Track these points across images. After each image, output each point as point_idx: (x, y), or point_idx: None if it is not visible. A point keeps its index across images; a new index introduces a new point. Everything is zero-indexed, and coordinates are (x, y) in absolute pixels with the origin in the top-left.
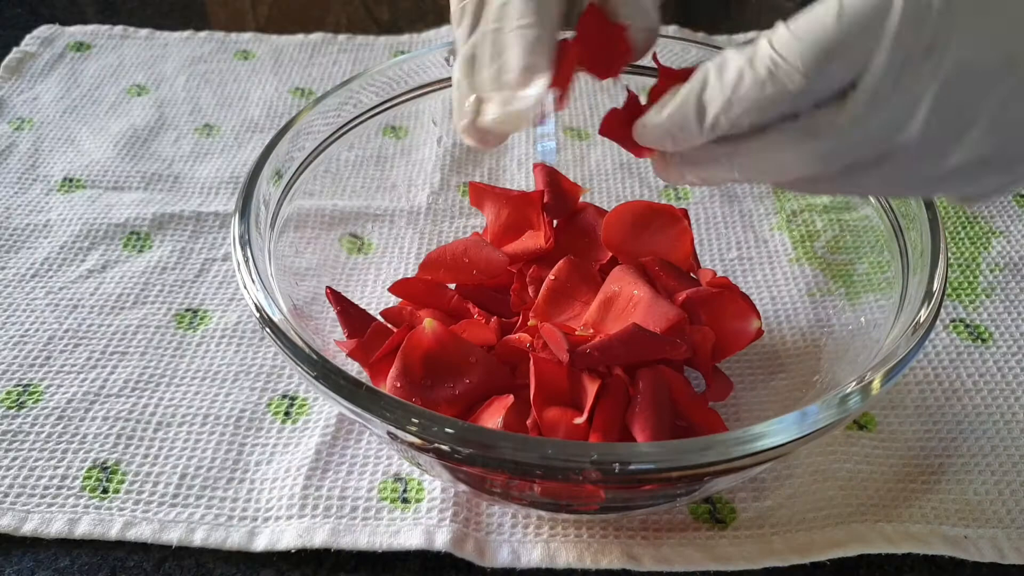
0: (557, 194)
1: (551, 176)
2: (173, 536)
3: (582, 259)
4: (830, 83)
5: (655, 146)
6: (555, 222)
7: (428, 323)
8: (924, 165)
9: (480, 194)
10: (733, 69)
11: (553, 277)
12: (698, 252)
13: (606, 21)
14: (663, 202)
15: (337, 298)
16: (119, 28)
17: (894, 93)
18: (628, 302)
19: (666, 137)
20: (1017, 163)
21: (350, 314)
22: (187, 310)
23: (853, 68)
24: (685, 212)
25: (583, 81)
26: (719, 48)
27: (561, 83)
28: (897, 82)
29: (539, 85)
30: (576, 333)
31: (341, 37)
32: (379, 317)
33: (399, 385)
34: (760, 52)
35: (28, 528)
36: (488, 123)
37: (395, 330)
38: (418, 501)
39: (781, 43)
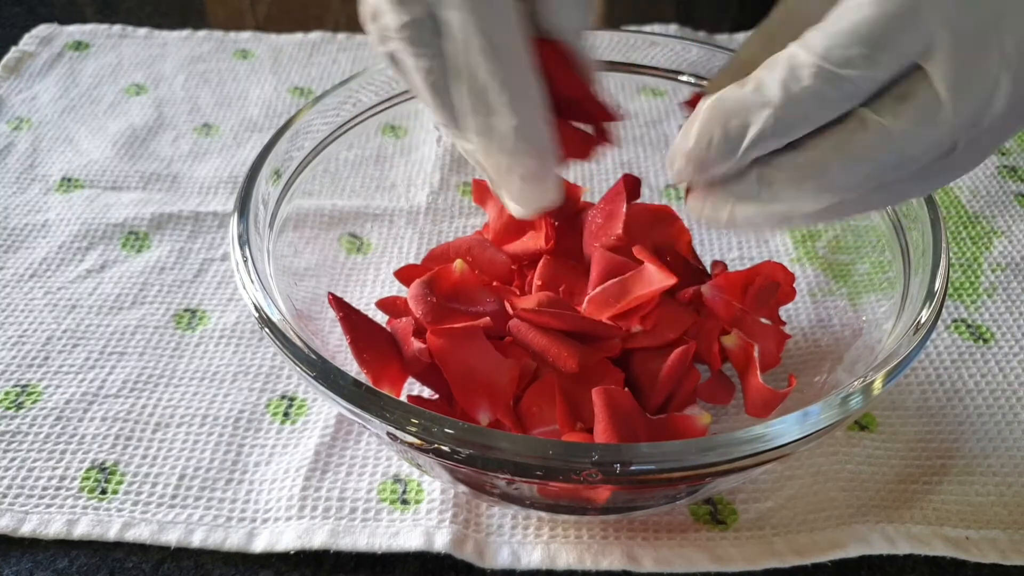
0: None
1: None
2: (172, 537)
3: (581, 259)
4: (891, 68)
5: (681, 176)
6: (556, 223)
7: (458, 264)
8: (996, 141)
9: (483, 191)
10: (773, 83)
11: (539, 282)
12: (698, 252)
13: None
14: (663, 202)
15: (339, 304)
16: (118, 27)
17: (972, 65)
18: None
19: (692, 161)
20: None
21: (352, 320)
22: (186, 310)
23: (914, 47)
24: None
25: None
26: (720, 48)
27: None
28: (971, 52)
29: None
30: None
31: (340, 36)
32: (374, 307)
33: (417, 294)
34: (798, 60)
35: (26, 529)
36: (521, 214)
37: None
38: (418, 502)
39: (820, 43)
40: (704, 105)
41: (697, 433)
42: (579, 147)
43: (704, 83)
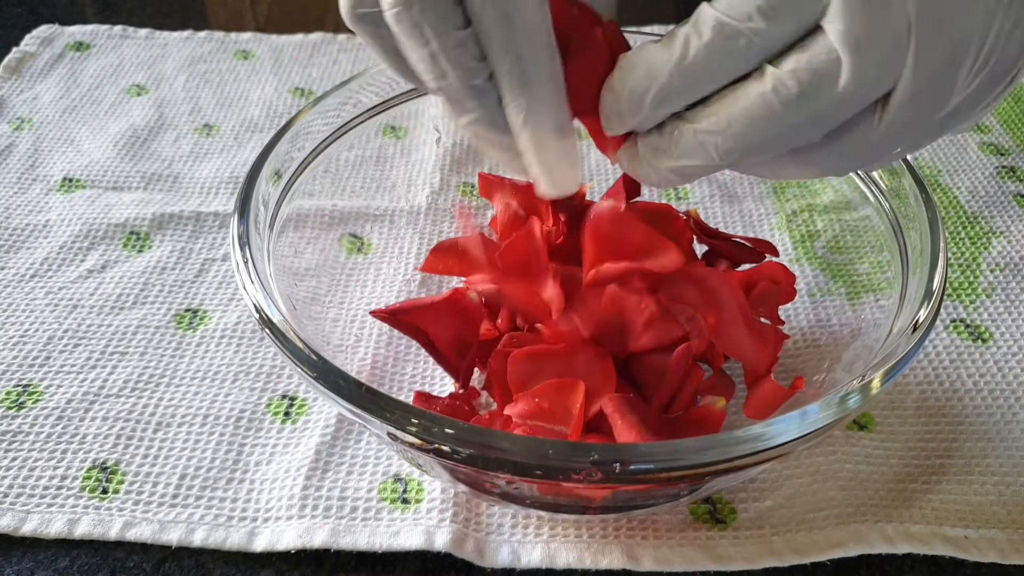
0: None
1: None
2: (173, 536)
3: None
4: (790, 24)
5: (607, 127)
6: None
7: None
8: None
9: (490, 185)
10: (679, 36)
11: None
12: (698, 252)
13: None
14: (663, 202)
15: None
16: (119, 28)
17: (870, 22)
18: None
19: (616, 114)
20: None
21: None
22: (187, 310)
23: (810, 3)
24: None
25: None
26: None
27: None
28: (869, 8)
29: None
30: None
31: (341, 37)
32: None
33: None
34: (703, 15)
35: (28, 528)
36: (552, 194)
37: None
38: (418, 502)
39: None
40: (621, 60)
41: (717, 418)
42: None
43: None
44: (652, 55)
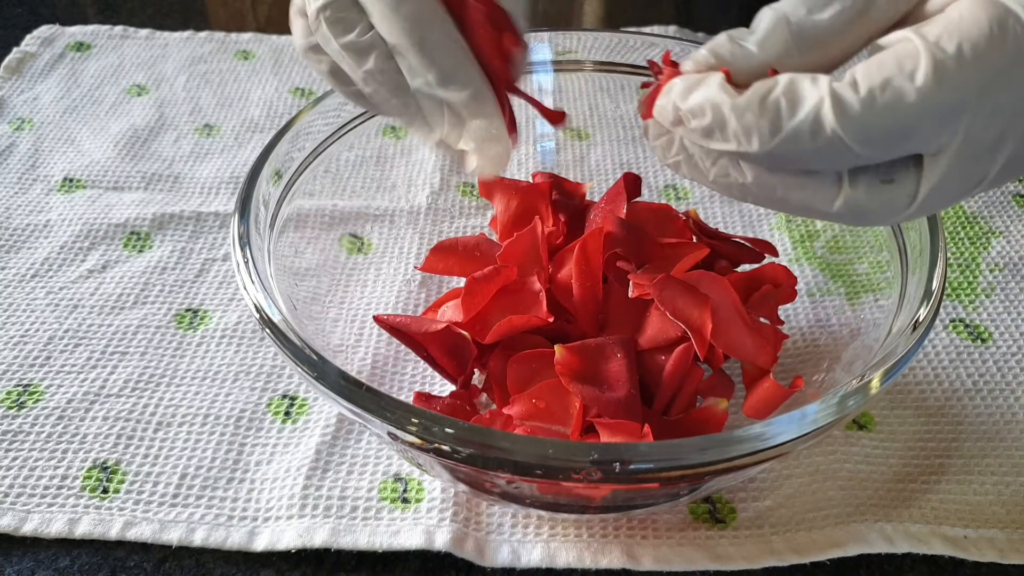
0: (562, 192)
1: (552, 179)
2: (173, 536)
3: None
4: (898, 155)
5: (659, 117)
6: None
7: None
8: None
9: (489, 185)
10: (789, 120)
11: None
12: None
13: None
14: (663, 202)
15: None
16: (119, 28)
17: (962, 176)
18: None
19: (673, 118)
20: None
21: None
22: (187, 310)
23: (931, 147)
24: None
25: (583, 80)
26: None
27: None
28: (968, 165)
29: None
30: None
31: None
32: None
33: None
34: (823, 117)
35: (28, 528)
36: (486, 173)
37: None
38: (418, 501)
39: (852, 111)
40: (717, 82)
41: (719, 420)
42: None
43: None
44: (750, 111)
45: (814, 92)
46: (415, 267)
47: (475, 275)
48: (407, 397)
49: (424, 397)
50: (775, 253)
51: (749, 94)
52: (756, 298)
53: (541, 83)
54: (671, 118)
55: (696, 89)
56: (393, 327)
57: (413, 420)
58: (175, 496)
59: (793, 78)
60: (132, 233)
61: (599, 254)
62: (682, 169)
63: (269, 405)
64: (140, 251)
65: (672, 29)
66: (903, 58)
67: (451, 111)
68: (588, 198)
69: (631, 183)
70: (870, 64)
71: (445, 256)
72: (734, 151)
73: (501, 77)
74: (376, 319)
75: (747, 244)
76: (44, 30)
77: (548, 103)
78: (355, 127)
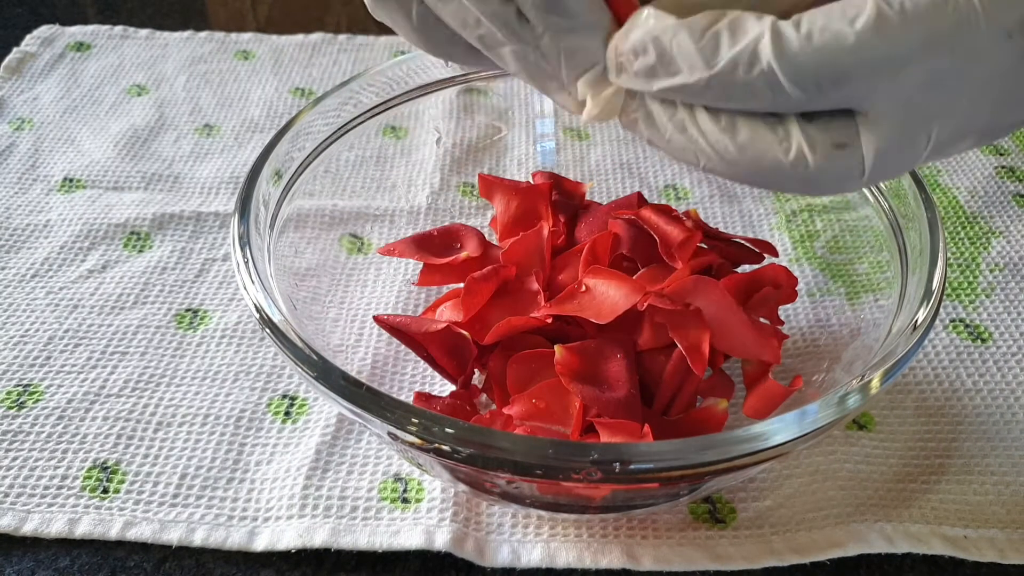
0: (562, 191)
1: (552, 178)
2: (173, 536)
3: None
4: (835, 104)
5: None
6: (563, 218)
7: None
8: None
9: (489, 186)
10: (725, 54)
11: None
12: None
13: None
14: (663, 202)
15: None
16: (119, 28)
17: (902, 145)
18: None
19: (619, 63)
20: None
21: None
22: (187, 310)
23: (866, 100)
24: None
25: None
26: None
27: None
28: (908, 134)
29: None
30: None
31: (341, 37)
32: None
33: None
34: (761, 52)
35: (28, 528)
36: (594, 117)
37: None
38: (418, 501)
39: (791, 46)
40: (654, 22)
41: (719, 420)
42: None
43: None
44: (689, 49)
45: (757, 27)
46: (414, 283)
47: (474, 275)
48: (407, 397)
49: (424, 397)
50: (775, 253)
51: (691, 21)
52: (756, 299)
53: None
54: (615, 64)
55: (636, 27)
56: (393, 327)
57: (413, 420)
58: (175, 496)
59: (740, 13)
60: (132, 233)
61: (607, 256)
62: (639, 127)
63: (269, 405)
64: (140, 251)
65: None
66: (849, 5)
67: (568, 53)
68: (588, 197)
69: (640, 202)
70: (818, 8)
71: (436, 271)
72: (677, 85)
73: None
74: (376, 319)
75: (747, 244)
76: (44, 30)
77: (547, 104)
78: (355, 127)
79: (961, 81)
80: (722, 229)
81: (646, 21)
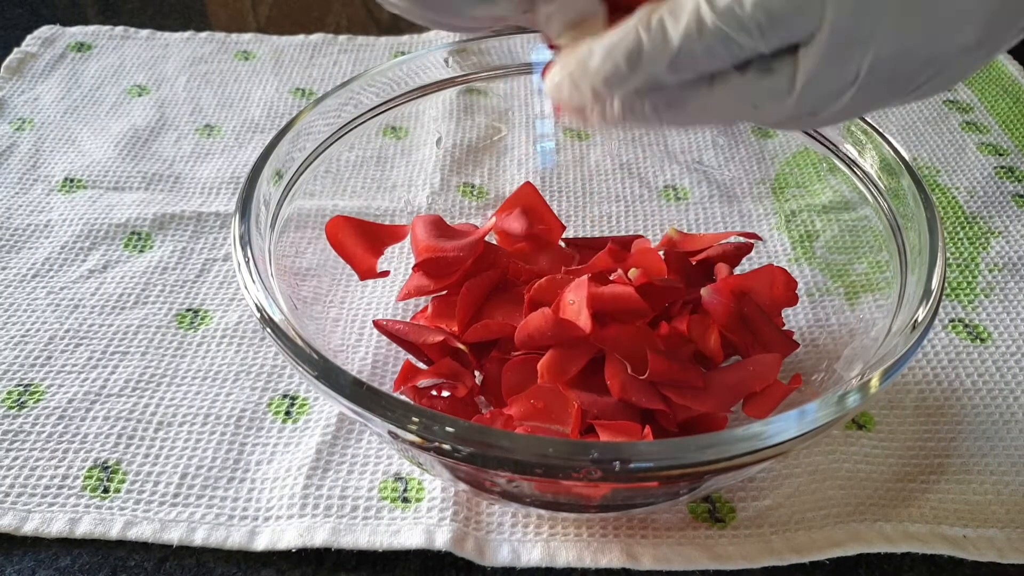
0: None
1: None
2: (174, 535)
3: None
4: (777, 45)
5: (568, 103)
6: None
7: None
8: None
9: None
10: (675, 34)
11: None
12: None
13: None
14: (662, 202)
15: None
16: (120, 29)
17: (833, 67)
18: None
19: (588, 81)
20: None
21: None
22: (188, 310)
23: (803, 33)
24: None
25: None
26: None
27: None
28: (838, 55)
29: None
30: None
31: (342, 38)
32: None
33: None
34: (703, 17)
35: (29, 528)
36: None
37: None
38: (418, 500)
39: (726, 3)
40: (606, 39)
41: (719, 422)
42: None
43: None
44: (641, 45)
45: (690, 1)
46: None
47: (468, 283)
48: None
49: (414, 369)
50: (758, 238)
51: (632, 23)
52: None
53: (541, 83)
54: (569, 93)
55: (573, 55)
56: (392, 334)
57: (414, 419)
58: (176, 496)
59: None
60: (133, 233)
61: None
62: (589, 112)
63: (270, 405)
64: (141, 251)
65: None
66: None
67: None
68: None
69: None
70: None
71: (419, 288)
72: (643, 82)
73: None
74: (376, 324)
75: (732, 241)
76: (45, 30)
77: (547, 104)
78: (355, 127)
79: (884, 3)
80: (721, 229)
81: (591, 46)
